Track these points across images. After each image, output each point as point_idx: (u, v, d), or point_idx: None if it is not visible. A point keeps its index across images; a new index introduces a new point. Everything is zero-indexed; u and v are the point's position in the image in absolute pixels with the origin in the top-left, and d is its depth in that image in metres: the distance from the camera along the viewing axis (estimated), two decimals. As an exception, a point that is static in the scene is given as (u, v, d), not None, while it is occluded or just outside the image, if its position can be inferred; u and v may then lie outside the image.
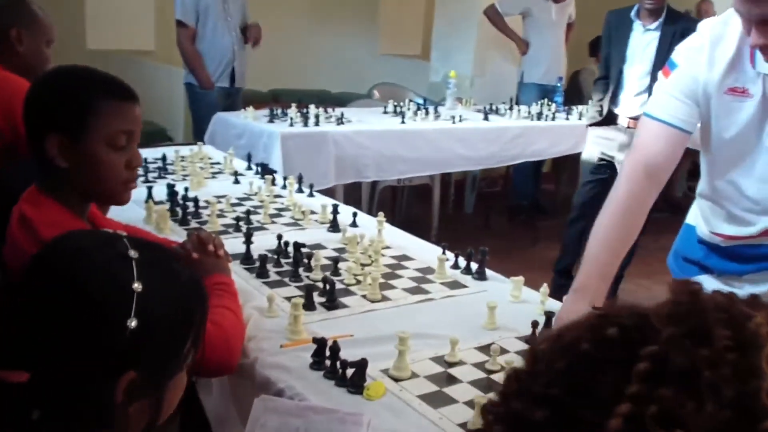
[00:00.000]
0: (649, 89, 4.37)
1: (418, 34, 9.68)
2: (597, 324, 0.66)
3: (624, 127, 4.66)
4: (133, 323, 1.10)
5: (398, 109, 5.43)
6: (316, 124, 4.71)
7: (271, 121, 4.73)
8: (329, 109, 5.11)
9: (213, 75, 5.58)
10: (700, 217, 2.17)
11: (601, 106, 4.79)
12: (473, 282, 2.29)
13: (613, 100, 4.70)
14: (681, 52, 2.03)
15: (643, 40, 4.53)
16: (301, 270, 2.21)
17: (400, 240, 2.62)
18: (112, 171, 1.78)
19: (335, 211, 2.68)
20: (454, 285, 2.25)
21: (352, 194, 5.26)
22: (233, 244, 2.39)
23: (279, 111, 4.91)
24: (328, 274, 2.19)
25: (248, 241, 2.30)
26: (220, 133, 4.92)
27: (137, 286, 1.12)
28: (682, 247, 2.27)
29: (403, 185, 5.77)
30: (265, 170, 3.34)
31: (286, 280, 2.17)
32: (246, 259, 2.28)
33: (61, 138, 1.72)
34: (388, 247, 2.49)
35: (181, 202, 2.74)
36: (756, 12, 1.69)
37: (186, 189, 2.88)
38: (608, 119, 4.75)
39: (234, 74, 5.71)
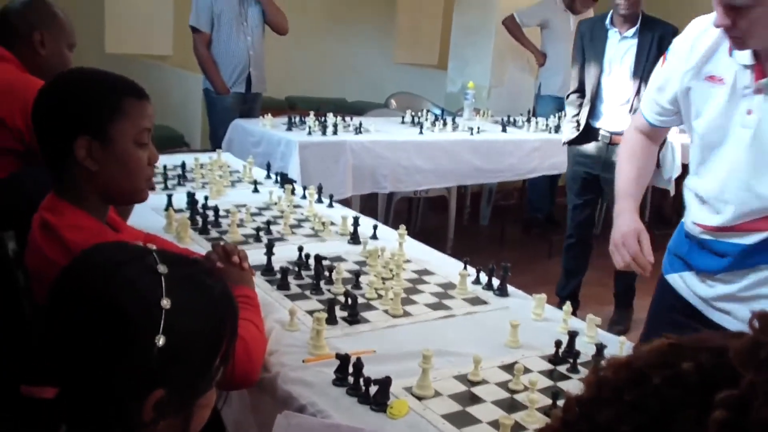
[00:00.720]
0: (631, 99, 4.29)
1: (435, 44, 9.68)
2: (670, 354, 0.63)
3: (605, 144, 4.40)
4: (161, 341, 1.09)
5: (416, 120, 5.42)
6: (335, 133, 4.71)
7: (289, 129, 4.72)
8: (347, 118, 5.11)
9: (228, 81, 5.58)
10: (687, 208, 2.22)
11: (578, 122, 4.53)
12: (495, 298, 2.28)
13: (592, 114, 4.45)
14: (673, 44, 2.20)
15: (620, 49, 4.33)
16: (322, 283, 2.20)
17: (420, 253, 2.61)
18: (140, 168, 1.81)
19: (356, 224, 2.66)
20: (476, 301, 2.24)
21: (368, 204, 5.25)
22: (254, 254, 2.37)
23: (297, 119, 4.90)
24: (349, 287, 2.18)
25: (269, 253, 2.29)
26: (237, 140, 4.92)
27: (165, 302, 1.11)
28: (674, 243, 2.33)
29: (419, 196, 5.76)
30: (285, 180, 3.34)
31: (308, 293, 2.16)
32: (267, 270, 2.27)
33: (90, 141, 1.72)
34: (408, 261, 2.48)
35: (201, 210, 2.73)
36: None
37: (206, 197, 2.88)
38: (587, 135, 4.49)
39: (250, 80, 5.70)
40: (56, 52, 2.76)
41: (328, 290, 2.19)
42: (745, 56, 1.95)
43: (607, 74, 4.37)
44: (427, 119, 5.39)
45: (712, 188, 2.08)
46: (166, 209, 2.71)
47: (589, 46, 4.47)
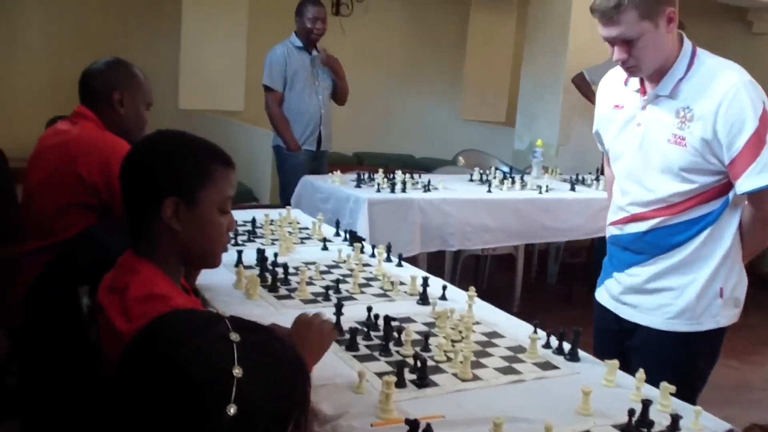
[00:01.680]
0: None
1: (502, 101, 9.71)
2: None
3: None
4: (232, 410, 1.08)
5: (484, 177, 5.42)
6: (403, 190, 4.72)
7: (358, 186, 4.75)
8: (416, 176, 5.12)
9: (300, 138, 5.69)
10: (608, 217, 2.80)
11: None
12: (565, 363, 2.24)
13: None
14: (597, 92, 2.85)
15: None
16: (391, 344, 2.19)
17: (489, 315, 2.58)
18: (220, 235, 1.89)
19: (425, 284, 2.65)
20: (546, 366, 2.20)
21: (435, 261, 5.24)
22: (323, 313, 2.38)
23: (366, 176, 4.94)
24: (418, 349, 2.17)
25: (339, 313, 2.28)
26: (306, 196, 4.97)
27: (237, 371, 1.10)
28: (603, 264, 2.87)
29: (486, 254, 5.73)
30: (354, 238, 3.34)
31: (376, 354, 2.15)
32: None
33: (179, 202, 1.78)
34: (478, 323, 2.46)
35: (270, 267, 2.75)
36: (613, 34, 2.37)
37: (275, 254, 2.90)
38: None
39: (321, 138, 5.80)
40: (134, 111, 2.84)
41: (397, 352, 2.17)
42: (635, 83, 2.55)
43: None
44: (495, 177, 5.37)
45: (618, 189, 2.69)
46: (236, 265, 2.73)
47: None
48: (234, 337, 1.14)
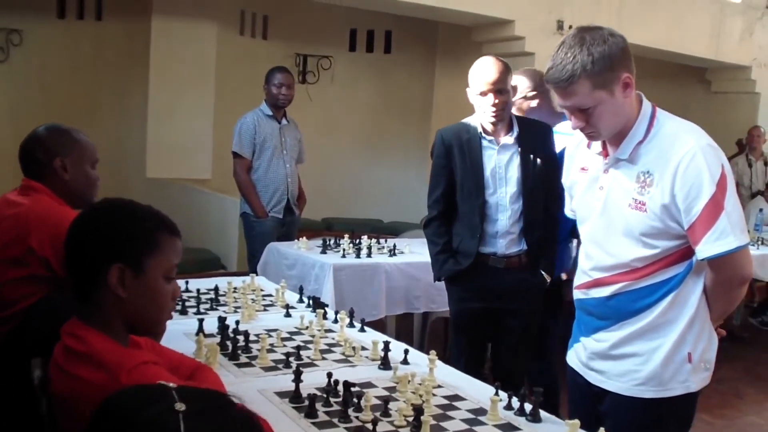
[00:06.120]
0: (523, 214, 3.72)
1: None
2: None
3: (502, 268, 3.72)
4: None
5: (450, 241, 5.43)
6: (369, 255, 4.73)
7: (323, 251, 4.76)
8: (381, 240, 5.14)
9: (267, 205, 5.72)
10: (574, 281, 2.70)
11: (452, 252, 3.79)
12: (527, 424, 2.22)
13: (483, 239, 3.70)
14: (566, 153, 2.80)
15: (501, 160, 3.69)
16: (350, 411, 2.17)
17: (451, 378, 2.57)
18: (165, 303, 1.86)
19: (386, 349, 2.63)
20: (508, 427, 2.19)
21: (403, 324, 5.21)
22: (283, 380, 2.37)
23: (332, 241, 4.95)
24: (378, 414, 2.14)
25: (297, 380, 2.26)
26: (272, 262, 4.96)
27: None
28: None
29: (455, 317, 5.70)
30: (317, 304, 3.32)
31: (335, 420, 2.12)
32: (295, 397, 2.24)
33: (123, 268, 1.75)
34: (439, 387, 2.44)
35: (231, 335, 2.73)
36: (568, 104, 2.37)
37: (237, 322, 2.88)
38: (475, 264, 3.71)
39: (289, 205, 5.83)
40: (80, 174, 2.80)
41: (357, 417, 2.15)
42: (597, 146, 2.53)
43: (492, 191, 3.70)
44: (461, 239, 5.38)
45: (583, 253, 2.63)
46: (197, 334, 2.71)
47: (462, 161, 3.73)
48: (179, 407, 1.14)
